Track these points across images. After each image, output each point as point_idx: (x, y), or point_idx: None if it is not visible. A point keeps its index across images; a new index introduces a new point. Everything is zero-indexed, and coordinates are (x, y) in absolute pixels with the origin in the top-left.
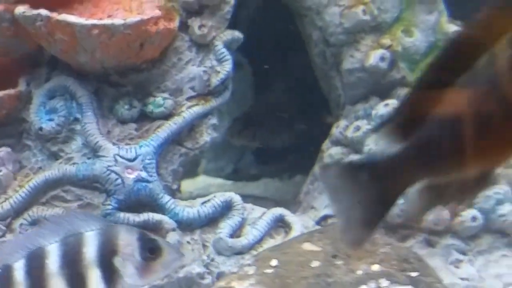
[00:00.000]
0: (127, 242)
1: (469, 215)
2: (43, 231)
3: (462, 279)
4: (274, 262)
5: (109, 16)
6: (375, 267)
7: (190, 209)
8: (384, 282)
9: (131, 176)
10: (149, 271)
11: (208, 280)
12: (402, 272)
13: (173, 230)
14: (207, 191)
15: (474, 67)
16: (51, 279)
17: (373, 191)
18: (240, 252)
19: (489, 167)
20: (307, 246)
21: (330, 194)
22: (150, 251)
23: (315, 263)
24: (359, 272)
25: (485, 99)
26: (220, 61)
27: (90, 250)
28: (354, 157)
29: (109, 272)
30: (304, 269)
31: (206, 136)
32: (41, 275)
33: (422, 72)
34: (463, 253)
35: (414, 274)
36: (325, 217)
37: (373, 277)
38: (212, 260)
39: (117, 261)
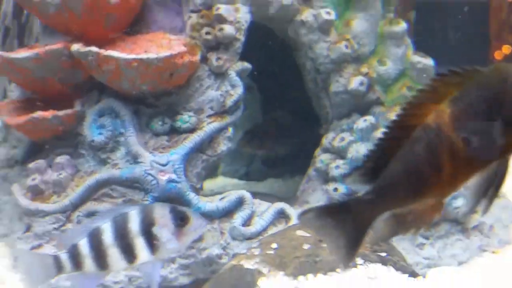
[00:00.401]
0: (162, 214)
1: None
2: (96, 220)
3: (425, 258)
4: (274, 245)
5: (145, 51)
6: None
7: (210, 204)
8: (359, 261)
9: (164, 177)
10: (182, 235)
11: (225, 260)
12: (373, 253)
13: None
14: (224, 189)
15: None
16: (109, 249)
17: (348, 226)
18: (250, 238)
19: (438, 198)
20: (300, 233)
21: (315, 232)
22: (181, 219)
23: (306, 246)
24: None
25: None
26: (233, 86)
27: (134, 224)
28: (331, 187)
29: (151, 239)
30: (297, 250)
31: (223, 146)
32: (101, 248)
33: (379, 140)
34: (426, 238)
35: (383, 254)
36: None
37: None
38: (228, 244)
39: (156, 230)
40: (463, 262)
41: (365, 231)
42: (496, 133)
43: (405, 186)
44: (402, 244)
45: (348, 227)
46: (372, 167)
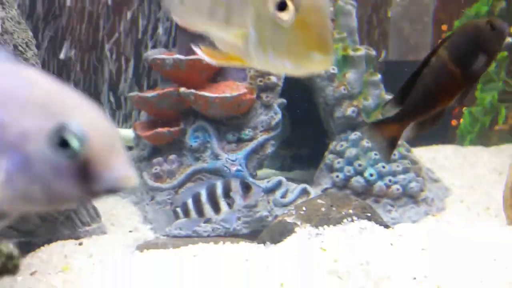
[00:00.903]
0: (235, 185)
1: (395, 187)
2: (197, 187)
3: (392, 218)
4: (303, 208)
5: (223, 92)
6: (350, 211)
7: (261, 184)
8: (354, 217)
9: (233, 168)
10: (247, 198)
11: (270, 219)
12: (363, 214)
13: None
14: (267, 176)
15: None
16: (204, 205)
17: (387, 134)
18: (285, 205)
19: (441, 110)
20: (319, 201)
21: (368, 138)
22: (246, 188)
23: (323, 209)
24: (343, 213)
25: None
26: (275, 113)
27: (219, 190)
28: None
29: (229, 200)
30: (318, 211)
31: (269, 150)
32: (200, 204)
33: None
34: (392, 206)
35: (369, 214)
36: (325, 189)
37: (349, 215)
38: (272, 209)
39: (232, 194)
40: (415, 221)
41: (398, 137)
42: (480, 60)
43: (423, 104)
44: (378, 209)
45: (387, 134)
46: (400, 96)
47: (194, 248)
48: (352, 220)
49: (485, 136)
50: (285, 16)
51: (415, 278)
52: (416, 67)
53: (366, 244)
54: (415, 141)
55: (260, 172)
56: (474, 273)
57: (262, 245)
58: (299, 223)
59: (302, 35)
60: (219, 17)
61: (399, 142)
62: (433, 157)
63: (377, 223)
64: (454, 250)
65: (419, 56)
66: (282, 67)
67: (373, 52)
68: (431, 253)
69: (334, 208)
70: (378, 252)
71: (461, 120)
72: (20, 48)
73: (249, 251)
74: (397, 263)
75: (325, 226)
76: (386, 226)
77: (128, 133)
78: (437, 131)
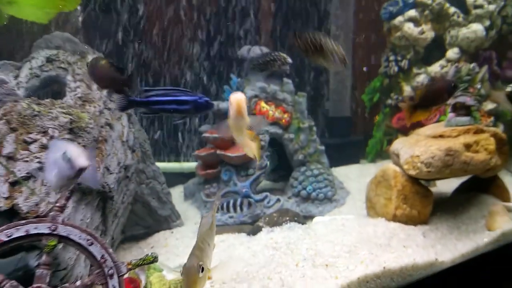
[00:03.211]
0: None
1: (321, 195)
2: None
3: (319, 210)
4: (267, 219)
5: (238, 151)
6: (287, 218)
7: (257, 197)
8: (289, 221)
9: (243, 190)
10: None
11: (261, 215)
12: (293, 219)
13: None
14: (267, 185)
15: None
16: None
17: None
18: (269, 207)
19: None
20: (274, 214)
21: None
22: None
23: (275, 218)
24: (284, 219)
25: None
26: (264, 161)
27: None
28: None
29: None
30: (272, 219)
31: (261, 178)
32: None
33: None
34: (319, 204)
35: (296, 219)
36: (289, 197)
37: (286, 221)
38: (262, 210)
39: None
40: (330, 211)
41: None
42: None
43: (427, 102)
44: (312, 207)
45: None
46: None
47: (222, 236)
48: (287, 222)
49: (378, 156)
50: None
51: (307, 249)
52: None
53: (291, 234)
54: (338, 163)
55: (262, 183)
56: (339, 236)
57: (248, 235)
58: (264, 226)
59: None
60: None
61: (325, 169)
62: (344, 172)
63: (299, 223)
64: (333, 230)
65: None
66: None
67: (312, 123)
68: (325, 235)
69: (280, 217)
70: (295, 237)
71: (368, 145)
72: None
73: (243, 238)
74: (303, 242)
75: (274, 227)
76: (303, 224)
77: (193, 165)
78: (358, 154)
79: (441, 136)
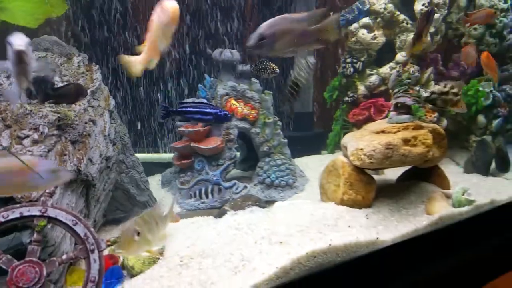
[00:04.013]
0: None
1: (283, 182)
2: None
3: (281, 196)
4: (231, 203)
5: (210, 144)
6: (250, 203)
7: (226, 185)
8: (251, 205)
9: (214, 178)
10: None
11: (230, 199)
12: (255, 203)
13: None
14: (237, 174)
15: None
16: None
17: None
18: (237, 193)
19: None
20: (238, 199)
21: None
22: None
23: (239, 203)
24: (246, 203)
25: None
26: (234, 152)
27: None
28: None
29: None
30: (237, 204)
31: (231, 168)
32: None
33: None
34: (281, 191)
35: (257, 203)
36: (255, 184)
37: (249, 205)
38: (231, 196)
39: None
40: (290, 197)
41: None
42: None
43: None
44: (275, 193)
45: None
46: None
47: (192, 219)
48: (249, 206)
49: (337, 147)
50: None
51: (265, 229)
52: None
53: (252, 216)
54: (301, 153)
55: (233, 172)
56: (294, 219)
57: (215, 218)
58: (228, 209)
59: None
60: None
61: (287, 159)
62: (305, 162)
63: (260, 207)
64: (290, 213)
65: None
66: None
67: (277, 119)
68: (282, 217)
69: (243, 202)
70: (256, 219)
71: (328, 137)
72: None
73: (210, 221)
74: (262, 223)
75: (238, 211)
76: (264, 207)
77: (171, 156)
78: (319, 146)
79: (383, 131)
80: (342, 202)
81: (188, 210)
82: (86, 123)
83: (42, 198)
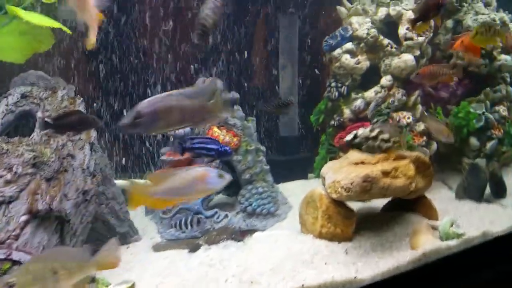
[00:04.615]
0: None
1: (264, 211)
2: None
3: (263, 225)
4: (206, 237)
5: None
6: (225, 236)
7: (207, 213)
8: (226, 239)
9: (195, 207)
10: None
11: (211, 229)
12: (231, 237)
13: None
14: (222, 199)
15: None
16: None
17: None
18: (217, 223)
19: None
20: (214, 233)
21: None
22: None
23: (213, 236)
24: (221, 237)
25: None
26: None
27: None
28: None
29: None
30: (212, 237)
31: (213, 196)
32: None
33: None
34: (263, 219)
35: (233, 236)
36: (237, 212)
37: (223, 239)
38: (211, 225)
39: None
40: (272, 226)
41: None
42: None
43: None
44: (257, 221)
45: None
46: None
47: (165, 253)
48: (224, 240)
49: None
50: None
51: (237, 266)
52: None
53: (226, 251)
54: (287, 178)
55: (218, 198)
56: (269, 253)
57: (189, 253)
58: (203, 243)
59: None
60: None
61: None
62: (291, 187)
63: (235, 241)
64: (266, 247)
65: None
66: None
67: (259, 146)
68: (257, 252)
69: (218, 235)
70: (229, 254)
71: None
72: None
73: (183, 255)
74: (236, 259)
75: (212, 245)
76: (239, 241)
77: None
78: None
79: (362, 162)
80: (320, 236)
81: (169, 240)
82: (64, 158)
83: (8, 241)
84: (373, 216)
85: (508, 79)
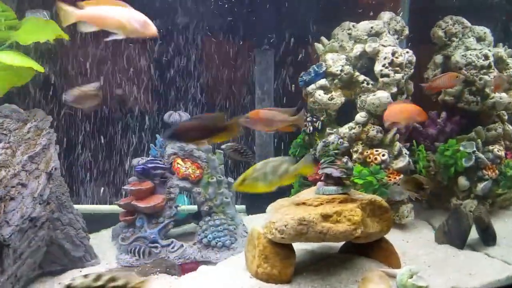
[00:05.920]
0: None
1: (219, 243)
2: None
3: (216, 258)
4: (146, 269)
5: (153, 201)
6: (161, 269)
7: (164, 243)
8: (160, 273)
9: (152, 236)
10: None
11: (166, 258)
12: (166, 270)
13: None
14: (189, 227)
15: None
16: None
17: None
18: (173, 252)
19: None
20: (151, 265)
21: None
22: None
23: (152, 269)
24: (157, 269)
25: None
26: (173, 210)
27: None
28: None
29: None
30: (155, 268)
31: (170, 226)
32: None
33: None
34: (218, 252)
35: (169, 270)
36: (194, 243)
37: (159, 271)
38: (166, 255)
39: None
40: (226, 258)
41: None
42: None
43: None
44: (212, 253)
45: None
46: None
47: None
48: (157, 274)
49: None
50: None
51: None
52: None
53: (157, 286)
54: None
55: (185, 226)
56: None
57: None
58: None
59: None
60: None
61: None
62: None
63: (170, 275)
64: (201, 284)
65: None
66: None
67: (222, 178)
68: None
69: (152, 268)
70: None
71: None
72: None
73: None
74: None
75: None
76: (174, 275)
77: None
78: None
79: (304, 203)
80: (257, 275)
81: (123, 266)
82: (13, 187)
83: None
84: (326, 257)
85: (506, 117)
